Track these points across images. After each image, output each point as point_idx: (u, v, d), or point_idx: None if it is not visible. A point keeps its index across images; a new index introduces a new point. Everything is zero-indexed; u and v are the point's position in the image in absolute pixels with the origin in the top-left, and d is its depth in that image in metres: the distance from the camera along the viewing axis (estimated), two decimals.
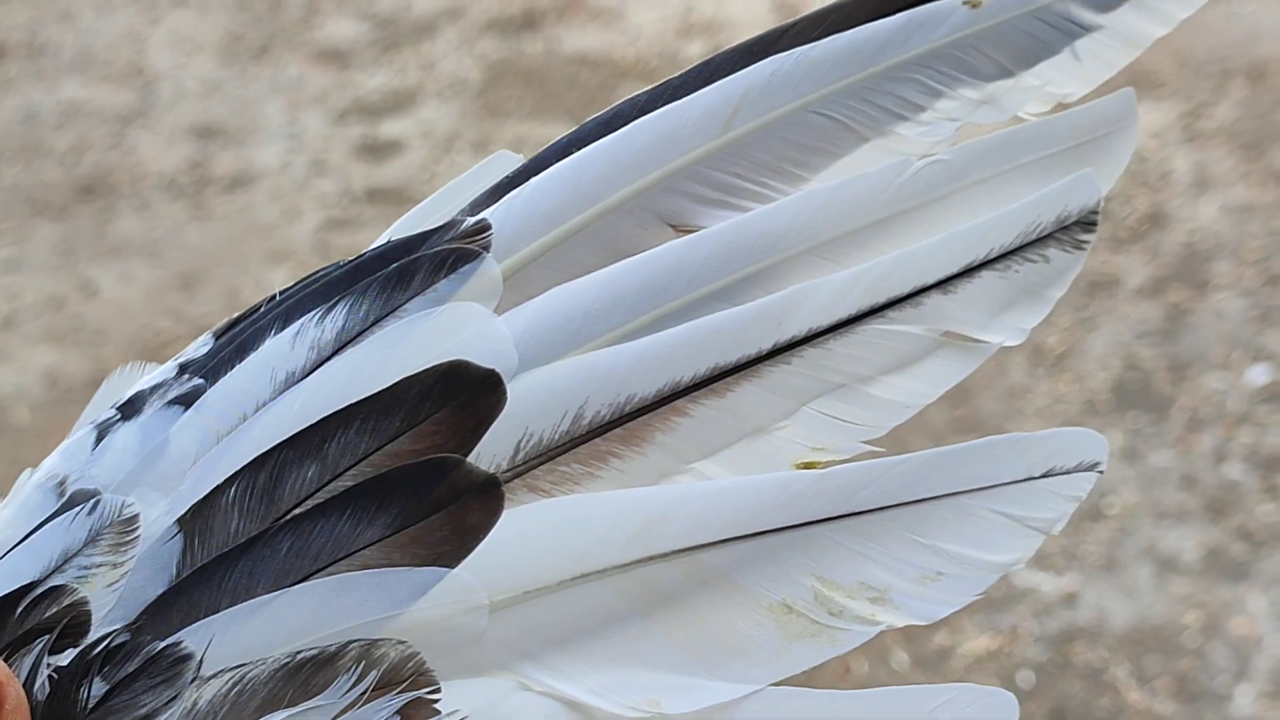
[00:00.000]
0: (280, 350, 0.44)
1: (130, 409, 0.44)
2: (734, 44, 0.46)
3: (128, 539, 0.42)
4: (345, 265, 0.45)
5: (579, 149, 0.45)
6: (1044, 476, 0.44)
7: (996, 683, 1.80)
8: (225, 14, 3.47)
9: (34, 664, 0.41)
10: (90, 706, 0.41)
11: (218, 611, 0.41)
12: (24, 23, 3.51)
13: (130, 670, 0.41)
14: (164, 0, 3.54)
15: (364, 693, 0.41)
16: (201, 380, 0.44)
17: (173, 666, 0.41)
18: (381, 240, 0.45)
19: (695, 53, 3.12)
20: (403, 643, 0.42)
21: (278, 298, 0.45)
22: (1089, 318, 2.32)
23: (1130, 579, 1.95)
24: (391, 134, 3.02)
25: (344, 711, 0.41)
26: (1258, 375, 2.22)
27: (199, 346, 0.45)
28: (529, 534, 0.43)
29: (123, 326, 2.60)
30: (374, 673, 0.41)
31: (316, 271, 0.45)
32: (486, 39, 3.28)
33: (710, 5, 3.28)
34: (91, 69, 3.32)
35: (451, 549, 0.42)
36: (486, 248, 0.44)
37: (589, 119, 0.46)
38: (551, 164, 0.45)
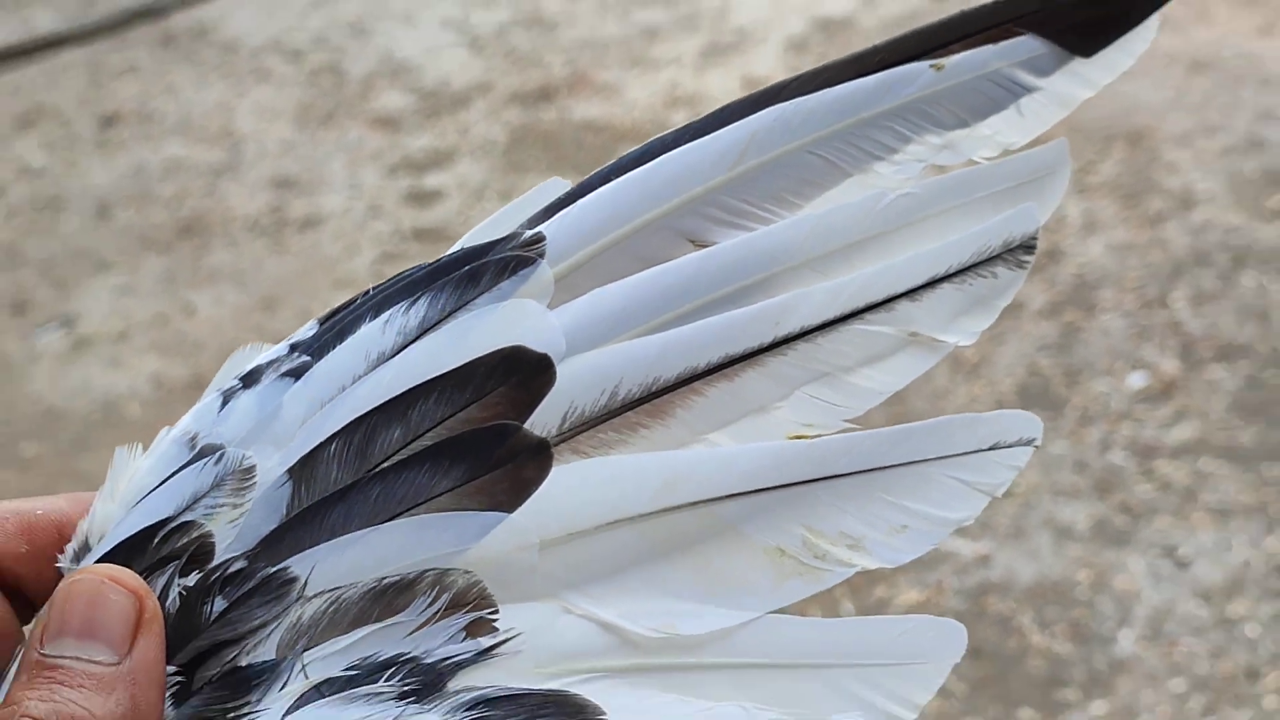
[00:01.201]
0: (373, 335, 0.43)
1: (250, 379, 0.44)
2: (739, 98, 0.46)
3: (246, 484, 0.42)
4: (426, 268, 0.44)
5: (618, 177, 0.45)
6: (991, 449, 0.44)
7: None
8: (299, 89, 3.47)
9: (166, 584, 0.41)
10: (212, 619, 0.41)
11: (319, 544, 0.41)
12: (135, 94, 3.51)
13: (246, 590, 0.41)
14: (249, 78, 3.54)
15: (437, 612, 0.41)
16: (309, 357, 0.44)
17: (281, 588, 0.41)
18: (455, 248, 0.45)
19: (679, 119, 3.10)
20: (469, 572, 0.41)
21: (371, 293, 0.45)
22: (999, 334, 2.32)
23: (1033, 544, 1.95)
24: (433, 185, 3.01)
25: (421, 627, 0.41)
26: (1136, 380, 2.23)
27: (306, 330, 0.45)
28: (573, 487, 0.42)
29: (215, 340, 2.59)
30: (445, 596, 0.41)
31: (402, 272, 0.44)
32: (511, 109, 3.28)
33: (691, 83, 3.28)
34: (190, 132, 3.32)
35: (509, 498, 0.42)
36: (541, 255, 0.44)
37: (624, 154, 0.45)
38: (595, 189, 0.45)
